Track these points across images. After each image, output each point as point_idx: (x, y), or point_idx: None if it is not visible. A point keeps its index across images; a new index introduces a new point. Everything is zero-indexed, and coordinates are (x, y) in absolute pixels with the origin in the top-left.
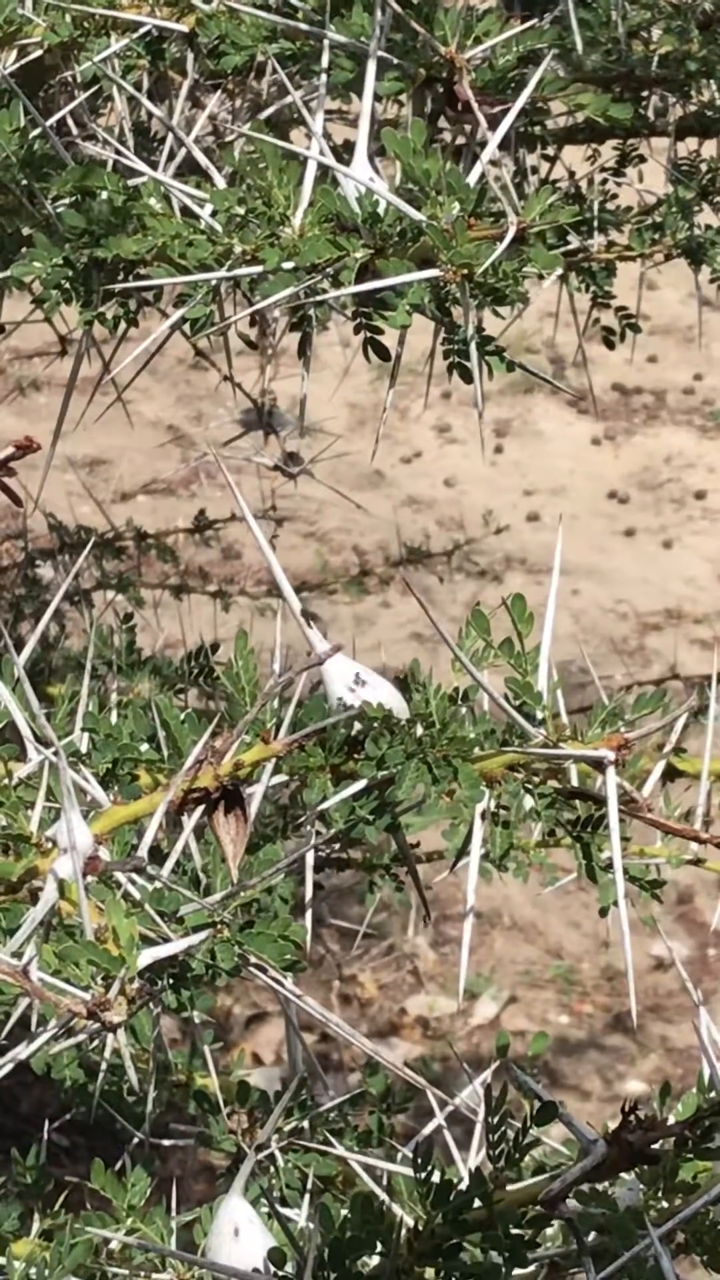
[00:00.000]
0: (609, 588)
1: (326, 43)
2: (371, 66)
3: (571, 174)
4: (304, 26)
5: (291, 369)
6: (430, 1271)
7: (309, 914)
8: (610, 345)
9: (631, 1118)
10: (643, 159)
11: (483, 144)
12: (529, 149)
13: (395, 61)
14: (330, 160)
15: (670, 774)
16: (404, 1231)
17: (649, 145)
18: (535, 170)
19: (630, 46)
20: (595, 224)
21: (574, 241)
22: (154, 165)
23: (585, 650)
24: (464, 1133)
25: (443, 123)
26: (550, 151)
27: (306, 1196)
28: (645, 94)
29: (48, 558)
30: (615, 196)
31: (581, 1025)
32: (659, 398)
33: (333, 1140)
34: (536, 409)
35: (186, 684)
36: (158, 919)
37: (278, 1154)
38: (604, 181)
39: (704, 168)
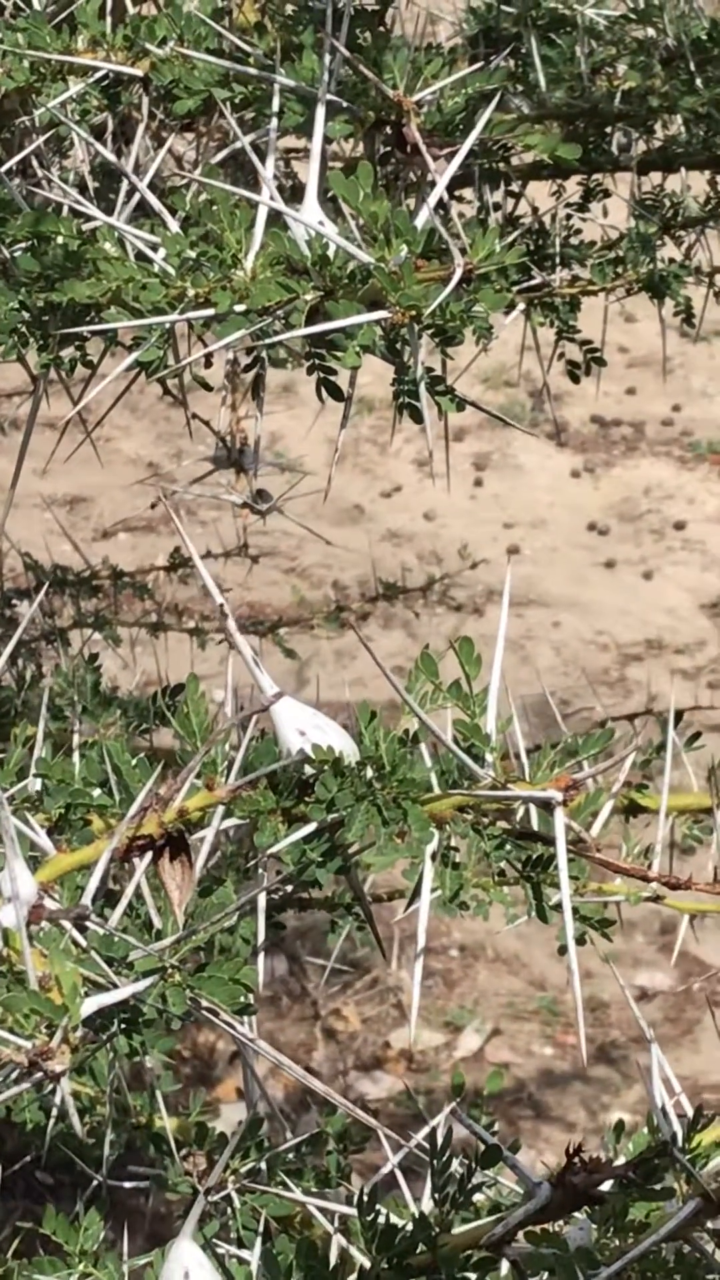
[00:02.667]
0: (590, 619)
1: (277, 87)
2: (321, 110)
3: (535, 209)
4: (254, 71)
5: (267, 406)
6: None
7: (261, 957)
8: (575, 379)
9: (575, 1160)
10: (607, 194)
11: (433, 184)
12: (493, 186)
13: (345, 105)
14: (280, 204)
15: (634, 810)
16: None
17: (613, 180)
18: (499, 207)
19: (594, 83)
20: (558, 259)
21: (536, 277)
22: (113, 207)
23: (567, 682)
24: None
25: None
26: (515, 188)
27: (259, 1238)
28: (609, 129)
29: (24, 597)
30: (579, 232)
31: (566, 1056)
32: (638, 429)
33: (289, 1181)
34: (516, 442)
35: (152, 724)
36: (104, 966)
37: (234, 1195)
38: (568, 217)
39: (667, 202)
